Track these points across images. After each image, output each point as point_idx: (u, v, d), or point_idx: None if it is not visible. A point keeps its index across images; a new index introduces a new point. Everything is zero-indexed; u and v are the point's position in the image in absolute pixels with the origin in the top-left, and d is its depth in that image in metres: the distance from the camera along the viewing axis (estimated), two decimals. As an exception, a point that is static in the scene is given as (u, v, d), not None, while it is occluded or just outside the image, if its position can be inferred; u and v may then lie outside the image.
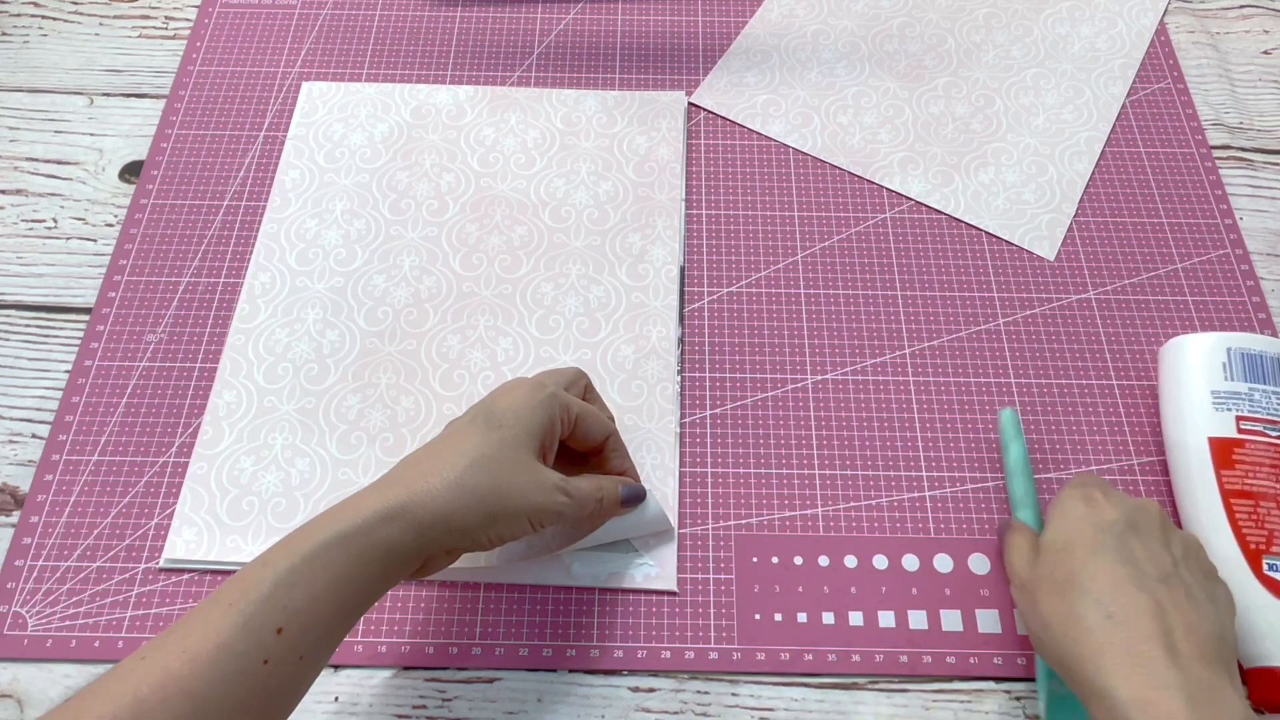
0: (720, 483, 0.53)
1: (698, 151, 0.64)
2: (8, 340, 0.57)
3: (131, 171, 0.64)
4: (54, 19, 0.71)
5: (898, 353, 0.57)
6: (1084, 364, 0.56)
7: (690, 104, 0.66)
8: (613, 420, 0.49)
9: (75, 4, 0.72)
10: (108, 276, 0.59)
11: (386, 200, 0.61)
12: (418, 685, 0.47)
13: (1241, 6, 0.72)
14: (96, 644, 0.48)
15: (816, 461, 0.53)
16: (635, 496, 0.48)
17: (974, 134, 0.65)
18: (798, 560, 0.50)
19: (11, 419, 0.55)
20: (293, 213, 0.61)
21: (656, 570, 0.50)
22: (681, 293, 0.58)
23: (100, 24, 0.71)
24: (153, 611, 0.49)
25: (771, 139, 0.65)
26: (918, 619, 0.49)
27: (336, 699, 0.47)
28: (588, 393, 0.48)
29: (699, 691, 0.47)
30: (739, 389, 0.55)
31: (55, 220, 0.62)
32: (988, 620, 0.49)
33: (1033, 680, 0.47)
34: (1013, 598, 0.46)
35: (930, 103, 0.66)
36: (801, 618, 0.49)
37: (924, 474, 0.53)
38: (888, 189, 0.63)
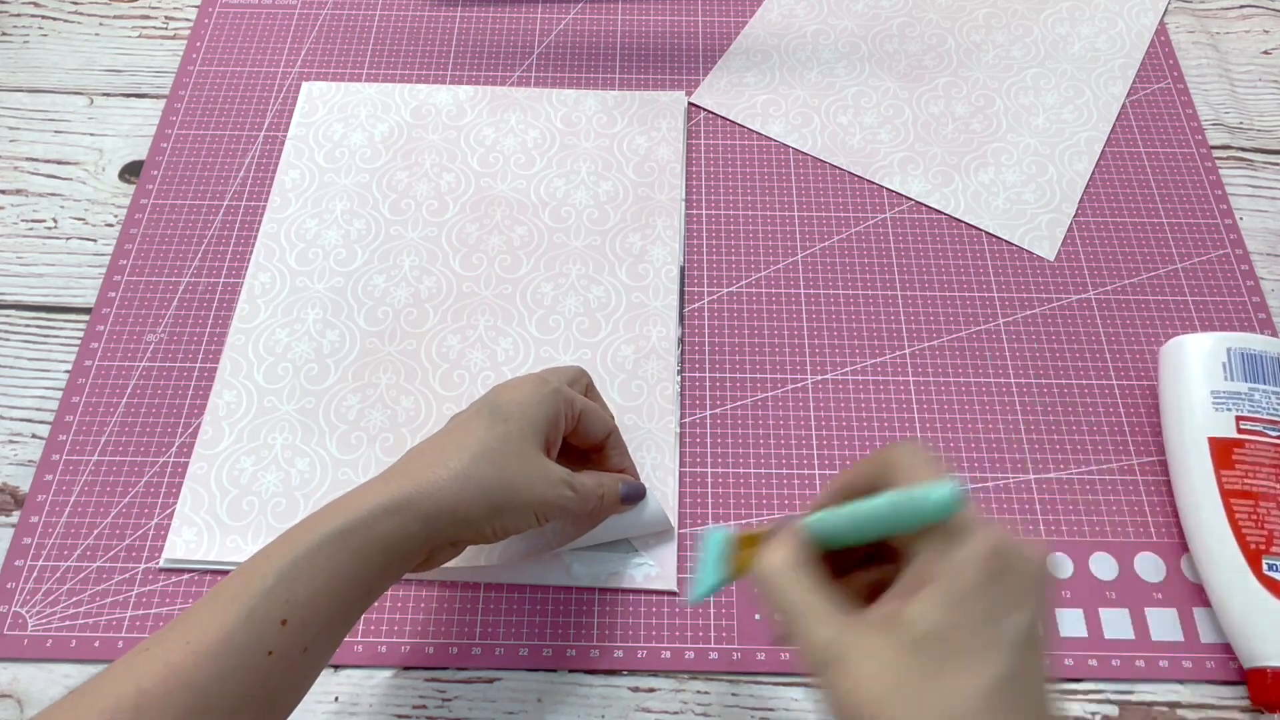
0: (720, 483, 0.53)
1: (698, 151, 0.64)
2: (8, 340, 0.57)
3: (131, 171, 0.64)
4: (54, 19, 0.71)
5: (898, 353, 0.57)
6: (1084, 364, 0.56)
7: (690, 104, 0.66)
8: (612, 419, 0.49)
9: (75, 4, 0.72)
10: (108, 276, 0.59)
11: (386, 200, 0.61)
12: (418, 685, 0.47)
13: (1241, 6, 0.72)
14: (96, 644, 0.48)
15: (816, 461, 0.53)
16: (635, 494, 0.48)
17: (974, 134, 0.65)
18: (798, 560, 0.50)
19: (11, 419, 0.55)
20: (293, 213, 0.61)
21: (656, 570, 0.50)
22: (681, 293, 0.58)
23: (100, 24, 0.71)
24: (153, 611, 0.49)
25: (771, 139, 0.65)
26: (918, 619, 0.49)
27: (336, 699, 0.47)
28: (589, 391, 0.48)
29: (699, 691, 0.47)
30: (739, 389, 0.55)
31: (55, 220, 0.62)
32: (988, 620, 0.49)
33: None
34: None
35: (930, 103, 0.66)
36: (801, 618, 0.49)
37: (924, 474, 0.53)
38: (888, 189, 0.63)
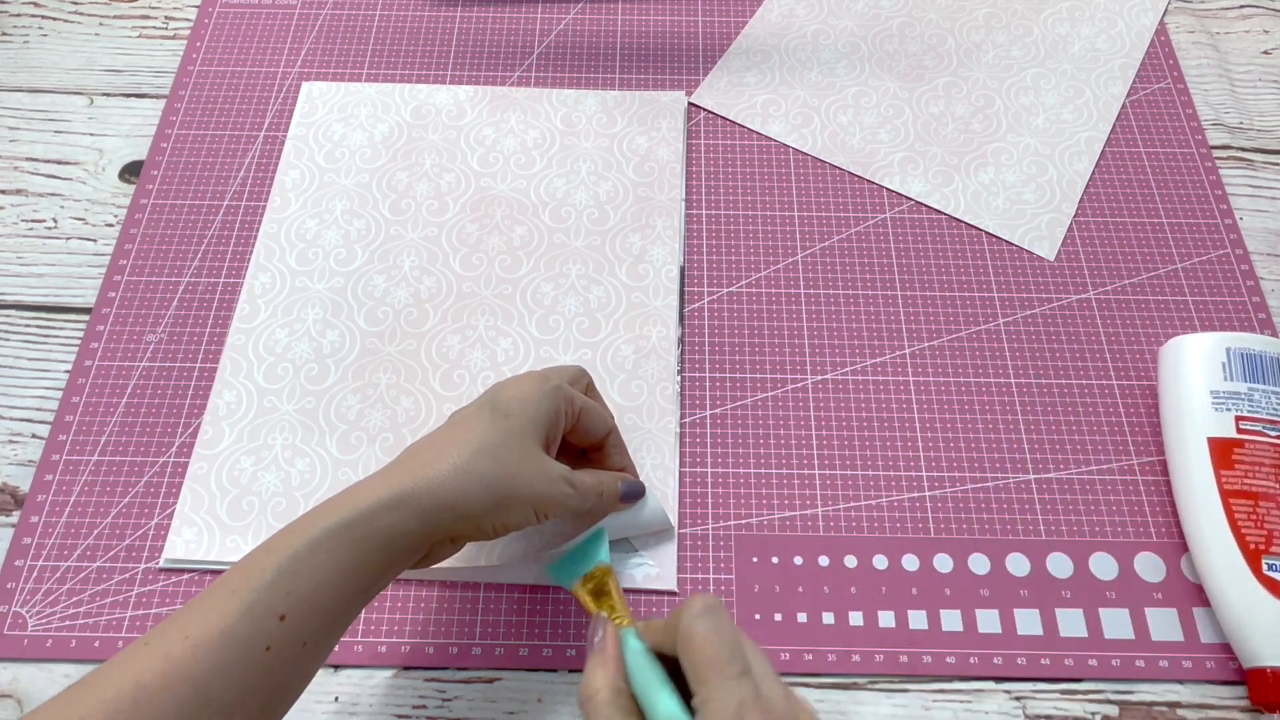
0: (720, 483, 0.53)
1: (698, 151, 0.64)
2: (8, 340, 0.57)
3: (131, 171, 0.64)
4: (54, 19, 0.71)
5: (898, 353, 0.57)
6: (1084, 364, 0.56)
7: (690, 104, 0.66)
8: (612, 418, 0.49)
9: (75, 4, 0.72)
10: (108, 276, 0.59)
11: (386, 200, 0.61)
12: (418, 685, 0.47)
13: (1241, 6, 0.72)
14: (96, 644, 0.48)
15: (816, 461, 0.53)
16: (634, 492, 0.48)
17: (974, 134, 0.65)
18: (798, 560, 0.50)
19: (11, 419, 0.55)
20: (293, 213, 0.61)
21: (656, 570, 0.50)
22: (681, 293, 0.58)
23: (100, 24, 0.71)
24: (153, 611, 0.49)
25: (771, 139, 0.65)
26: (918, 619, 0.49)
27: (336, 699, 0.47)
28: (589, 390, 0.49)
29: (699, 691, 0.47)
30: (739, 389, 0.55)
31: (55, 220, 0.62)
32: (987, 620, 0.49)
33: (1032, 680, 0.47)
34: None
35: (930, 103, 0.66)
36: (801, 618, 0.49)
37: (924, 474, 0.53)
38: (888, 189, 0.63)
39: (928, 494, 0.52)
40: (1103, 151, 0.64)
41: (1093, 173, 0.63)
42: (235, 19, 0.71)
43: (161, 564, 0.50)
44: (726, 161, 0.64)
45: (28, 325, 0.58)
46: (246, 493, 0.52)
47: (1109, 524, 0.51)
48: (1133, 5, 0.71)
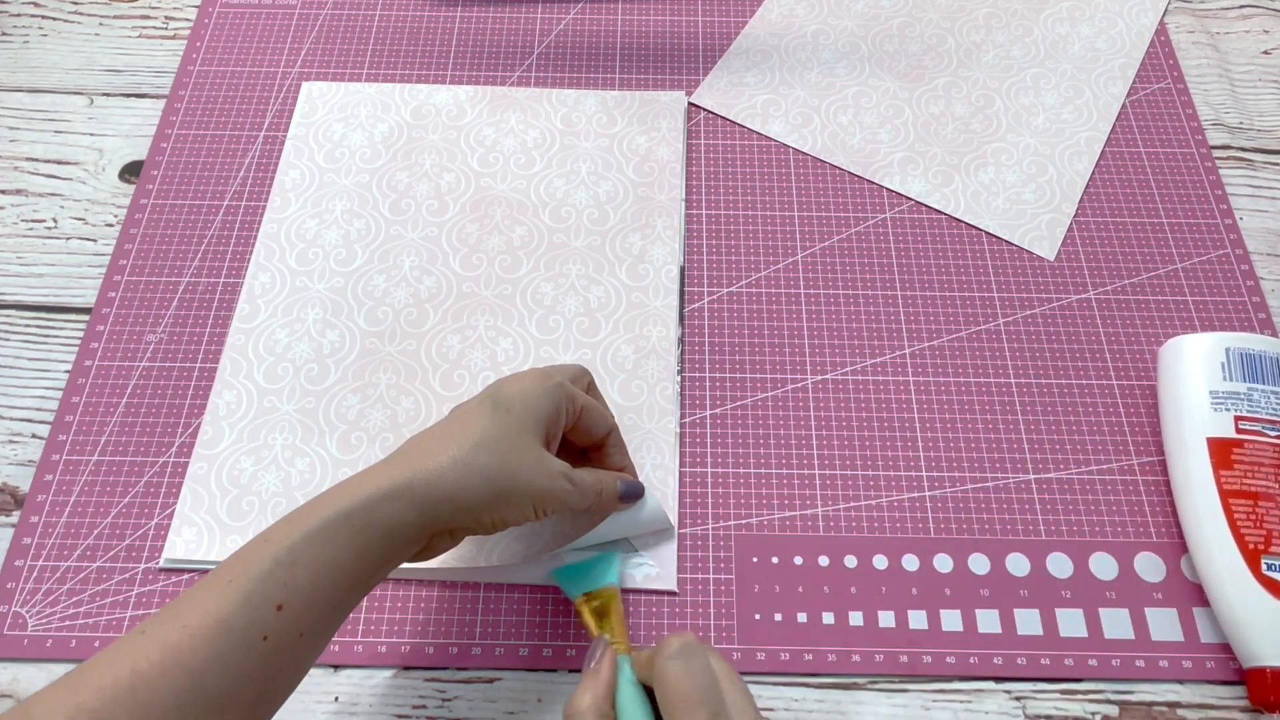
0: (720, 483, 0.53)
1: (698, 151, 0.64)
2: (8, 340, 0.57)
3: (131, 171, 0.64)
4: (54, 19, 0.71)
5: (898, 353, 0.57)
6: (1084, 364, 0.56)
7: (690, 104, 0.66)
8: (613, 418, 0.49)
9: (75, 4, 0.72)
10: (108, 276, 0.59)
11: (386, 200, 0.61)
12: (418, 685, 0.47)
13: (1241, 6, 0.72)
14: (96, 644, 0.48)
15: (816, 461, 0.53)
16: (633, 492, 0.48)
17: (974, 134, 0.65)
18: (798, 560, 0.50)
19: (11, 419, 0.55)
20: (293, 213, 0.61)
21: (656, 570, 0.50)
22: (681, 293, 0.58)
23: (100, 24, 0.71)
24: (153, 612, 0.49)
25: (771, 139, 0.65)
26: (918, 619, 0.49)
27: (336, 699, 0.47)
28: (590, 389, 0.49)
29: (699, 691, 0.47)
30: (739, 389, 0.55)
31: (55, 220, 0.62)
32: (988, 620, 0.49)
33: (1032, 680, 0.47)
34: None
35: (930, 103, 0.66)
36: (801, 618, 0.49)
37: (924, 474, 0.53)
38: (888, 189, 0.63)
39: (928, 494, 0.52)
40: (1103, 151, 0.64)
41: (1093, 173, 0.63)
42: (235, 19, 0.71)
43: (161, 564, 0.50)
44: (726, 161, 0.64)
45: (28, 325, 0.58)
46: (246, 493, 0.52)
47: (1109, 524, 0.51)
48: (1133, 5, 0.71)
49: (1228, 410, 0.50)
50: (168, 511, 0.51)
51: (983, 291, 0.59)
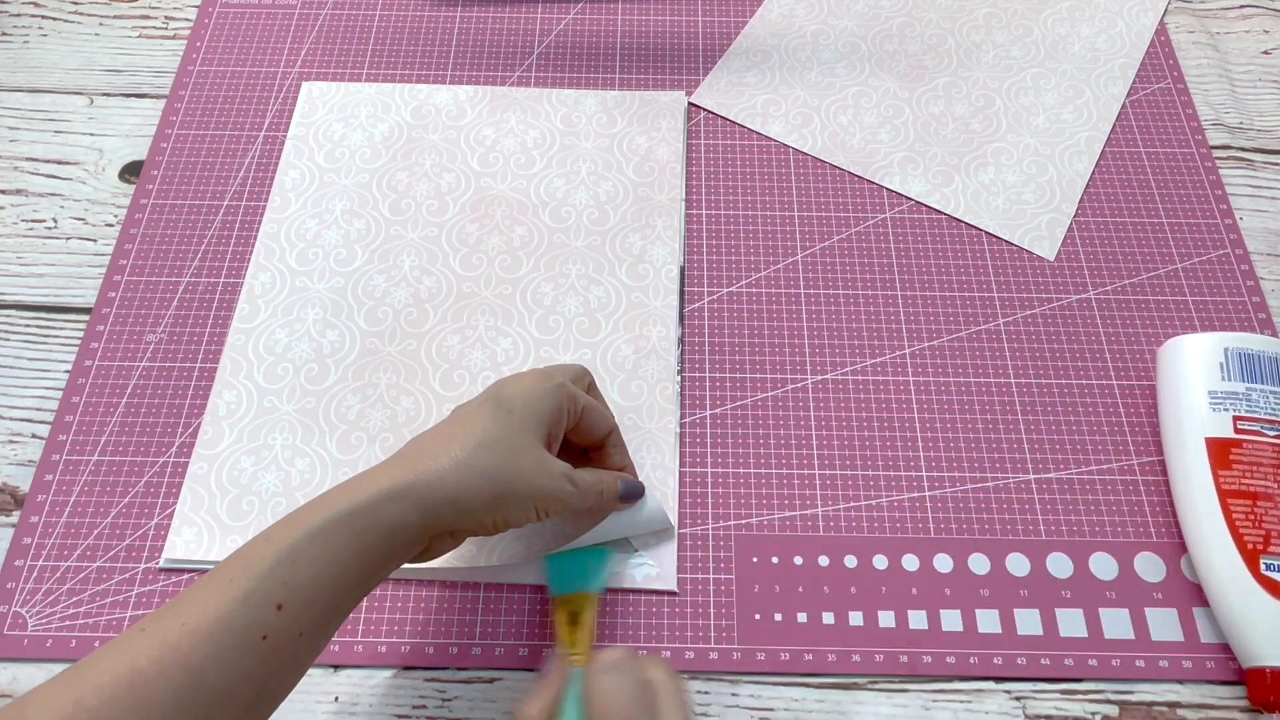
0: (720, 483, 0.53)
1: (698, 151, 0.64)
2: (8, 340, 0.57)
3: (131, 171, 0.64)
4: (54, 19, 0.71)
5: (898, 353, 0.57)
6: (1084, 364, 0.56)
7: (690, 104, 0.66)
8: (613, 418, 0.49)
9: (75, 4, 0.72)
10: (108, 276, 0.59)
11: (386, 200, 0.61)
12: (418, 685, 0.47)
13: (1241, 6, 0.72)
14: (96, 644, 0.48)
15: (816, 461, 0.53)
16: (634, 492, 0.48)
17: (974, 134, 0.65)
18: (798, 560, 0.50)
19: (11, 419, 0.55)
20: (293, 213, 0.61)
21: (656, 570, 0.50)
22: (681, 293, 0.58)
23: (100, 24, 0.71)
24: (152, 612, 0.49)
25: (771, 139, 0.65)
26: (918, 619, 0.49)
27: (336, 699, 0.47)
28: (591, 389, 0.49)
29: (699, 691, 0.47)
30: (739, 389, 0.55)
31: (55, 220, 0.62)
32: (988, 620, 0.49)
33: (1032, 680, 0.47)
34: None
35: (930, 103, 0.66)
36: (801, 618, 0.49)
37: (924, 474, 0.53)
38: (888, 189, 0.63)
39: (928, 494, 0.52)
40: (1103, 151, 0.64)
41: (1093, 173, 0.63)
42: (235, 19, 0.71)
43: (161, 564, 0.50)
44: (726, 161, 0.64)
45: (28, 325, 0.58)
46: (246, 493, 0.52)
47: (1109, 524, 0.51)
48: (1133, 5, 0.71)
49: (1226, 410, 0.50)
50: (168, 511, 0.51)
51: (983, 291, 0.59)
